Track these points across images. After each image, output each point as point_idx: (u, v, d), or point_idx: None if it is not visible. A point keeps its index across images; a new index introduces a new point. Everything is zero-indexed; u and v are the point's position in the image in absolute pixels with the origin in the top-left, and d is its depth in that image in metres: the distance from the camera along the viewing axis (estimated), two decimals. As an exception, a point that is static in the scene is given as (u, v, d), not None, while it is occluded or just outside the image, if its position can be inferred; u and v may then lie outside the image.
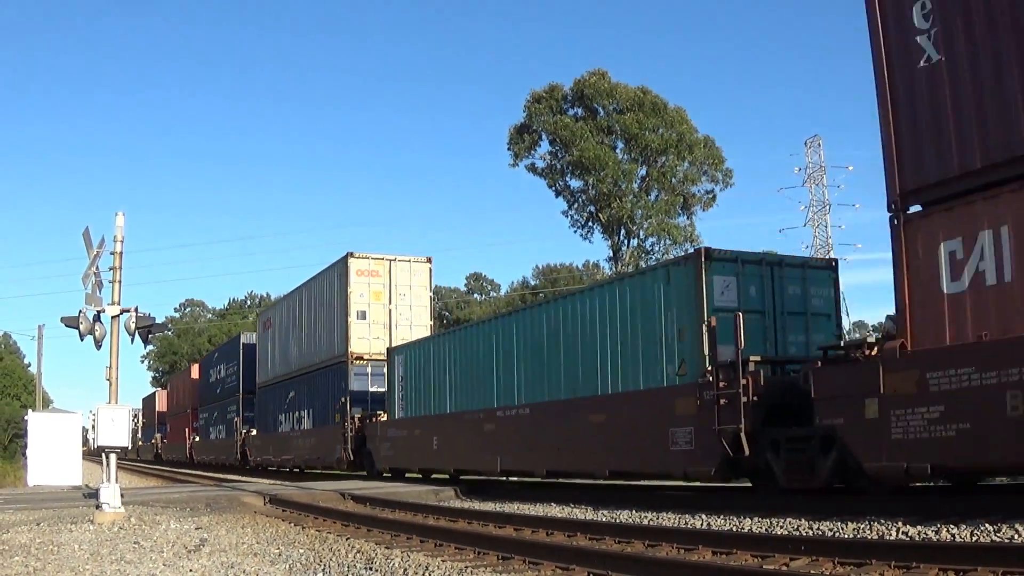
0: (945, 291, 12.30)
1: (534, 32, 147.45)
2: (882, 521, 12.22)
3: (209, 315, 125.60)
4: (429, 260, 34.21)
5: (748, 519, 13.79)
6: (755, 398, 15.19)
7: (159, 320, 18.78)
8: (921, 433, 12.03)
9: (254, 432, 43.80)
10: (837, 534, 11.70)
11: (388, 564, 10.78)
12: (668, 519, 14.88)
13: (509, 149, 55.70)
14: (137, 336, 17.93)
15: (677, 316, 17.29)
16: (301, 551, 12.32)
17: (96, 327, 17.34)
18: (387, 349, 30.63)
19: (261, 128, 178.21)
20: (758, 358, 15.83)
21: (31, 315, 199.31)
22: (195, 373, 59.37)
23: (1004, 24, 11.92)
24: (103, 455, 17.38)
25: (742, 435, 15.23)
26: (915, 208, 13.05)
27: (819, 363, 14.29)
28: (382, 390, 30.87)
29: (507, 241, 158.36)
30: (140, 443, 79.10)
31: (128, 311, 17.62)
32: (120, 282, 17.66)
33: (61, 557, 11.86)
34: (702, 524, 13.92)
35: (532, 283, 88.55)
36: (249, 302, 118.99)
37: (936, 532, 11.02)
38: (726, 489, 18.23)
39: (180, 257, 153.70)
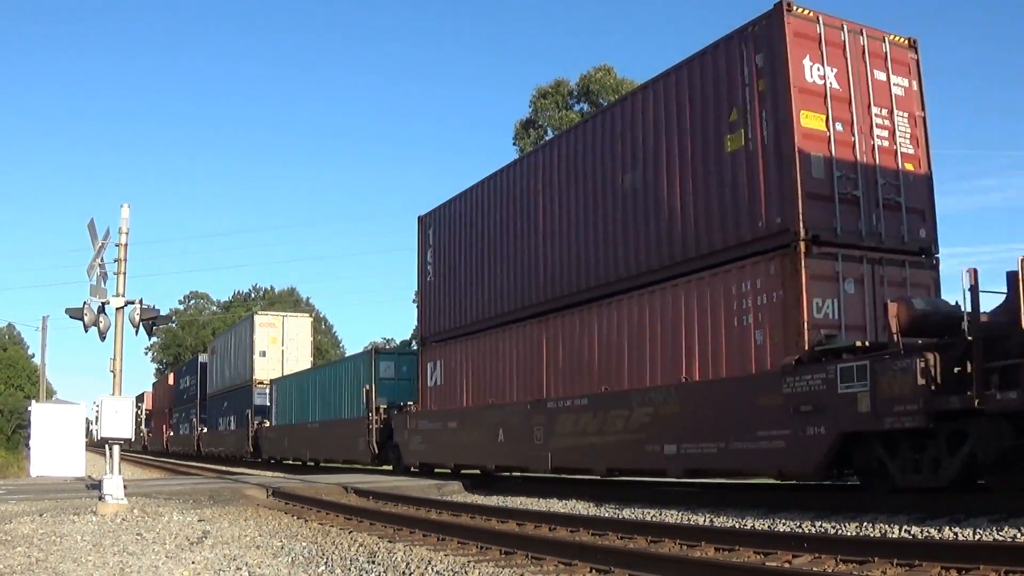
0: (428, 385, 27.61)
1: (539, 28, 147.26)
2: (885, 519, 12.23)
3: (213, 307, 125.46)
4: (310, 315, 58.97)
5: (751, 516, 13.81)
6: None
7: (163, 312, 18.81)
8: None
9: (205, 430, 57.12)
10: (840, 532, 11.71)
11: (391, 558, 10.79)
12: (671, 516, 14.88)
13: (515, 144, 55.64)
14: (141, 328, 17.94)
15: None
16: (303, 544, 12.33)
17: (100, 319, 17.36)
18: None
19: (267, 121, 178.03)
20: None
21: (35, 306, 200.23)
22: (171, 380, 71.36)
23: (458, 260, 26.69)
24: (106, 446, 17.40)
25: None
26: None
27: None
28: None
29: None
30: (149, 435, 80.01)
31: (132, 303, 17.63)
32: (125, 274, 17.68)
33: (64, 548, 11.89)
34: (705, 521, 13.93)
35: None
36: (253, 294, 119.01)
37: (939, 530, 11.03)
38: (727, 486, 18.22)
39: (185, 249, 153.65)
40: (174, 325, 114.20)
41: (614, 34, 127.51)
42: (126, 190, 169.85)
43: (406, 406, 28.97)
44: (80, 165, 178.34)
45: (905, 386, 12.44)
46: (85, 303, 17.35)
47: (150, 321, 18.07)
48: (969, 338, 12.02)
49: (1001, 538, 10.19)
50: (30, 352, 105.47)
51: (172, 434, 68.93)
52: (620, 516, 15.14)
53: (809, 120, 15.57)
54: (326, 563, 10.70)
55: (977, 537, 10.39)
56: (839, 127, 15.81)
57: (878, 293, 15.70)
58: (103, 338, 17.48)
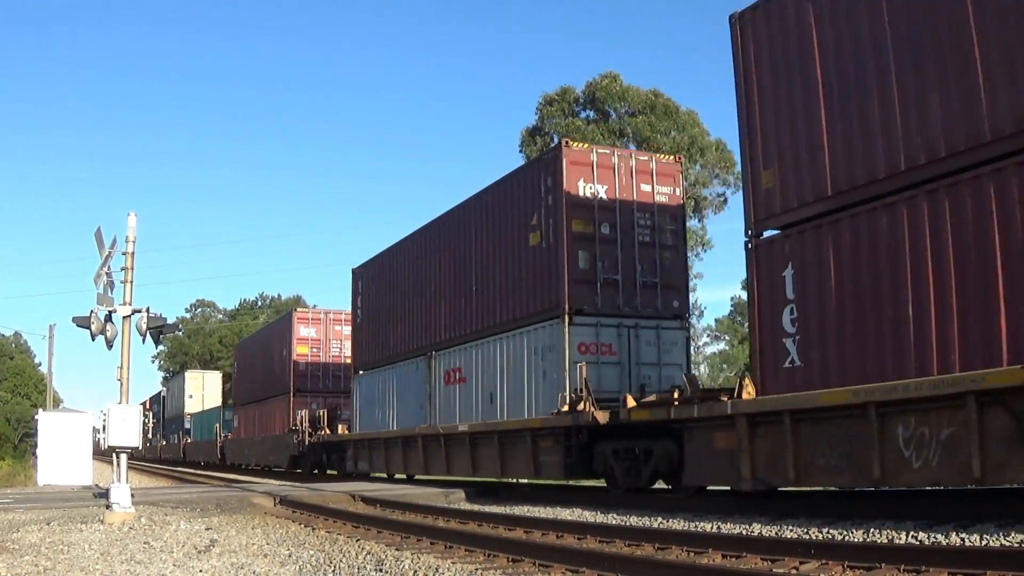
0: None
1: (546, 36, 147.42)
2: (892, 525, 12.22)
3: (220, 315, 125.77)
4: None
5: (758, 523, 13.79)
6: None
7: (170, 320, 18.84)
8: None
9: (164, 442, 77.57)
10: (847, 538, 11.69)
11: (398, 566, 10.80)
12: (678, 523, 14.87)
13: (521, 151, 55.67)
14: (148, 336, 17.97)
15: None
16: (311, 552, 12.34)
17: (107, 327, 17.39)
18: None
19: (274, 129, 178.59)
20: None
21: (42, 314, 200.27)
22: (148, 404, 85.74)
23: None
24: (113, 455, 17.42)
25: None
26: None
27: None
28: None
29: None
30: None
31: (139, 311, 17.67)
32: (132, 282, 17.72)
33: (71, 557, 11.90)
34: (712, 527, 13.91)
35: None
36: (260, 303, 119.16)
37: (946, 536, 10.99)
38: (736, 493, 18.19)
39: (192, 258, 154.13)
40: (181, 333, 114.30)
41: (620, 41, 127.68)
42: (133, 199, 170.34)
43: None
44: (87, 174, 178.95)
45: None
46: (92, 311, 17.38)
47: (157, 329, 18.10)
48: None
49: (1008, 543, 10.17)
50: (37, 361, 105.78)
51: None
52: (627, 523, 15.12)
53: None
54: (333, 571, 10.71)
55: (984, 543, 10.37)
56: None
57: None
58: (110, 347, 17.51)
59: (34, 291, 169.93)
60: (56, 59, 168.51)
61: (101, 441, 17.01)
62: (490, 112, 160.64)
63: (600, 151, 22.21)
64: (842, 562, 9.40)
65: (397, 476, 31.40)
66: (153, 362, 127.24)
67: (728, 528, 13.64)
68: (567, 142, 21.84)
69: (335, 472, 37.34)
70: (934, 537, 11.06)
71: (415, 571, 10.37)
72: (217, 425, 55.83)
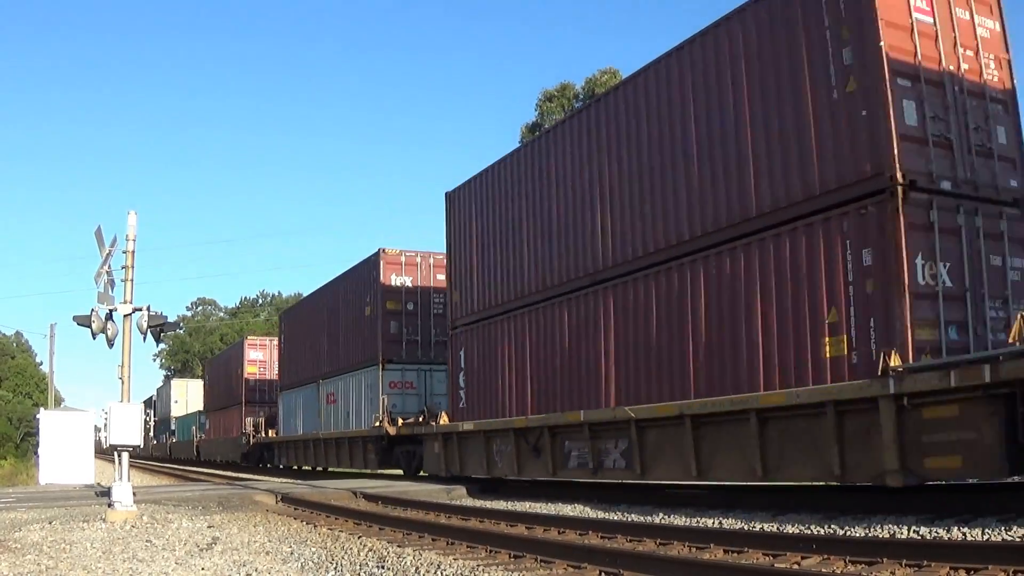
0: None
1: (544, 32, 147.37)
2: (893, 520, 12.23)
3: (221, 313, 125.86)
4: None
5: (759, 518, 13.80)
6: None
7: (171, 319, 18.82)
8: None
9: (156, 441, 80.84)
10: (848, 533, 11.70)
11: (400, 563, 10.80)
12: (680, 518, 14.88)
13: (520, 147, 55.68)
14: (149, 335, 17.96)
15: None
16: (313, 549, 12.35)
17: (108, 326, 17.38)
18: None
19: (274, 126, 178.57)
20: None
21: (43, 313, 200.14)
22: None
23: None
24: (115, 453, 17.42)
25: None
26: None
27: None
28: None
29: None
30: (154, 442, 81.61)
31: (140, 310, 17.65)
32: (132, 281, 17.70)
33: (73, 555, 11.90)
34: (714, 523, 13.92)
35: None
36: (260, 300, 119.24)
37: (947, 531, 11.01)
38: (734, 488, 18.21)
39: (192, 256, 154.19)
40: (182, 331, 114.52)
41: (619, 37, 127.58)
42: (133, 197, 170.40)
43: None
44: (87, 172, 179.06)
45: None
46: (93, 310, 17.36)
47: (158, 328, 18.08)
48: None
49: (1010, 538, 10.18)
50: (38, 360, 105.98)
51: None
52: (629, 519, 15.14)
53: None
54: (336, 568, 10.71)
55: (986, 537, 10.38)
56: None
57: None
58: (111, 345, 17.49)
59: (35, 290, 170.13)
60: (57, 58, 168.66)
61: (103, 440, 17.02)
62: (490, 108, 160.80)
63: (407, 253, 31.62)
64: (844, 557, 9.41)
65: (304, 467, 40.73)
66: (154, 360, 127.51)
67: (730, 523, 13.65)
68: (383, 250, 31.39)
69: (270, 465, 45.72)
70: (935, 532, 11.08)
71: (417, 568, 10.37)
72: (194, 427, 64.32)
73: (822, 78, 14.15)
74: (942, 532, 10.99)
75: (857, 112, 13.60)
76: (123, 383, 17.55)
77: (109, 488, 17.47)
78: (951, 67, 14.06)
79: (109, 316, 17.44)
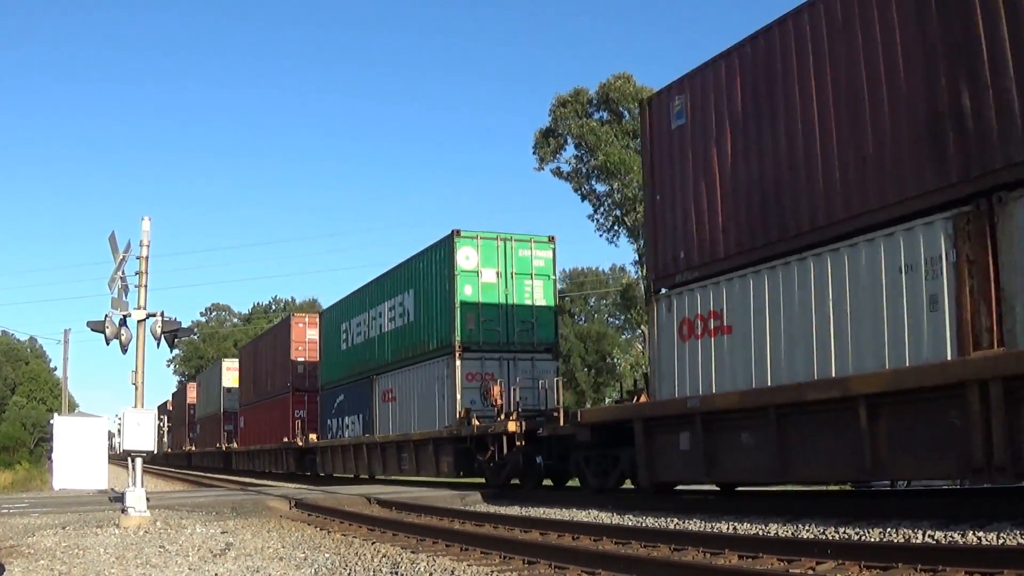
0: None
1: (558, 37, 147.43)
2: (908, 524, 12.16)
3: (234, 319, 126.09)
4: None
5: (774, 523, 13.74)
6: None
7: (185, 324, 18.87)
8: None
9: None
10: (863, 538, 11.65)
11: (414, 568, 10.79)
12: (694, 523, 14.83)
13: (535, 153, 55.54)
14: (163, 340, 18.01)
15: None
16: (327, 555, 12.34)
17: (122, 331, 17.43)
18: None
19: (288, 134, 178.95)
20: None
21: (57, 319, 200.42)
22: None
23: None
24: (129, 459, 17.46)
25: None
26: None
27: None
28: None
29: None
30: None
31: (154, 315, 17.70)
32: (146, 286, 17.76)
33: (87, 561, 11.93)
34: (728, 528, 13.87)
35: (559, 287, 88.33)
36: (274, 306, 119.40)
37: (962, 535, 10.94)
38: (746, 494, 18.17)
39: (206, 261, 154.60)
40: (195, 337, 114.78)
41: (633, 42, 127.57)
42: (147, 203, 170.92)
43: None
44: (102, 178, 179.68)
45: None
46: (107, 316, 17.42)
47: (171, 333, 18.13)
48: None
49: (1026, 543, 10.12)
50: (52, 365, 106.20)
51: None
52: (643, 524, 15.09)
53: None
54: (349, 574, 10.71)
55: (1001, 541, 10.31)
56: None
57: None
58: (125, 351, 17.55)
59: (49, 296, 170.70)
60: (71, 66, 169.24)
61: (116, 445, 17.07)
62: (504, 115, 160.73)
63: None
64: (859, 562, 9.36)
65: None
66: (168, 366, 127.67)
67: (744, 528, 13.61)
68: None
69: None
70: (951, 536, 11.01)
71: (430, 574, 10.37)
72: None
73: None
74: (957, 536, 10.93)
75: None
76: (137, 389, 17.60)
77: (123, 494, 17.50)
78: None
79: (123, 322, 17.50)
